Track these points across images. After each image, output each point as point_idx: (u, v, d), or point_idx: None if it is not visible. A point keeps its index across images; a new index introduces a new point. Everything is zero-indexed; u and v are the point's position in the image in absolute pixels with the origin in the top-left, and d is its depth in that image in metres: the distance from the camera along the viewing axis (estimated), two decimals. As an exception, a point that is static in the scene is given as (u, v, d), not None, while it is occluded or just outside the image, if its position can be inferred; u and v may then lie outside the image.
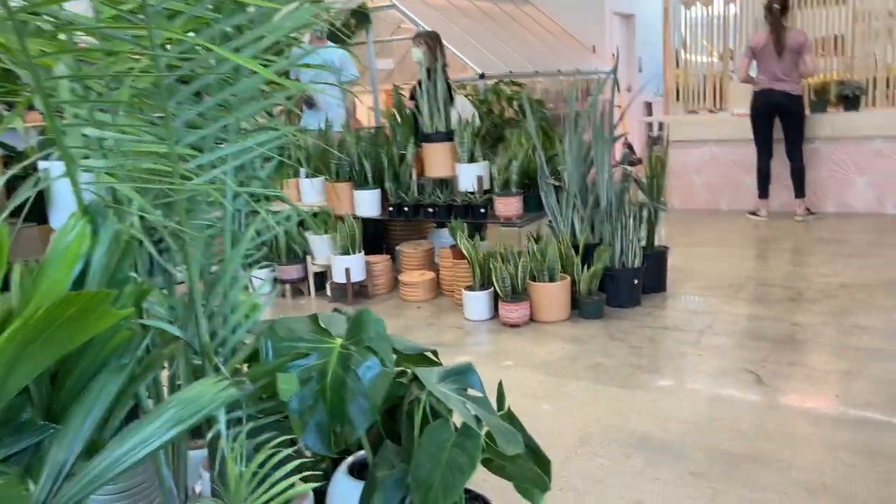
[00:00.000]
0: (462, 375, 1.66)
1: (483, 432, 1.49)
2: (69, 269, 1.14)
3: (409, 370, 1.74)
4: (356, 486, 1.69)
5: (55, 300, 0.95)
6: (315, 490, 1.57)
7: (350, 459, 1.90)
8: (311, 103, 6.15)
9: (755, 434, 2.79)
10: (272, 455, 1.43)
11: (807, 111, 6.57)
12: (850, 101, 6.69)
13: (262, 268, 5.20)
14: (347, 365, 1.61)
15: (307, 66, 1.62)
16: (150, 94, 1.27)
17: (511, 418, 1.71)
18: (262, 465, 1.44)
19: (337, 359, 1.63)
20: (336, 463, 1.82)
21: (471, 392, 1.65)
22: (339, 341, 1.66)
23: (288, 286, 5.17)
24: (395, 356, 1.74)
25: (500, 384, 1.75)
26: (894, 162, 6.50)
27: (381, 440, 1.77)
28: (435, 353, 1.90)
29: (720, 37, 7.78)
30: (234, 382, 1.54)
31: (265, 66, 1.31)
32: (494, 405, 1.69)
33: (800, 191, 6.52)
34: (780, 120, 6.46)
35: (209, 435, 1.51)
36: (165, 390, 1.65)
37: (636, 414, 3.02)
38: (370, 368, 1.60)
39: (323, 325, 1.71)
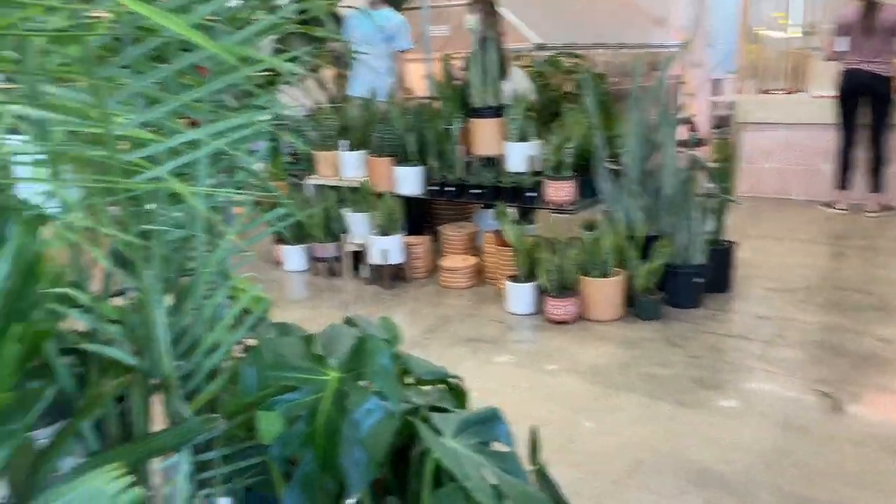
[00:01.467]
0: (485, 426, 1.33)
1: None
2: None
3: (421, 407, 1.42)
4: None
5: None
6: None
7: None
8: (346, 65, 5.82)
9: (833, 474, 2.40)
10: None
11: (897, 95, 5.95)
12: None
13: (295, 244, 4.95)
14: (343, 405, 1.30)
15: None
16: (79, 60, 0.97)
17: (543, 477, 1.37)
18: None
19: (332, 396, 1.32)
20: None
21: (495, 446, 1.32)
22: (335, 374, 1.35)
23: (322, 264, 4.91)
24: (405, 389, 1.42)
25: (535, 434, 1.41)
26: None
27: (385, 489, 1.46)
28: (459, 382, 1.57)
29: (804, 11, 7.14)
30: (202, 420, 1.25)
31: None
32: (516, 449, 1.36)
33: (877, 183, 5.93)
34: (867, 103, 5.87)
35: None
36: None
37: (695, 439, 2.65)
38: (371, 413, 1.28)
39: (319, 351, 1.39)
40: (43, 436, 1.23)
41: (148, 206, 1.16)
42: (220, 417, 1.26)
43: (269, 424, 1.29)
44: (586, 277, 3.88)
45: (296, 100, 5.41)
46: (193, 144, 1.20)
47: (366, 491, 1.51)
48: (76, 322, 1.27)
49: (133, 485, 0.76)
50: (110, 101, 1.01)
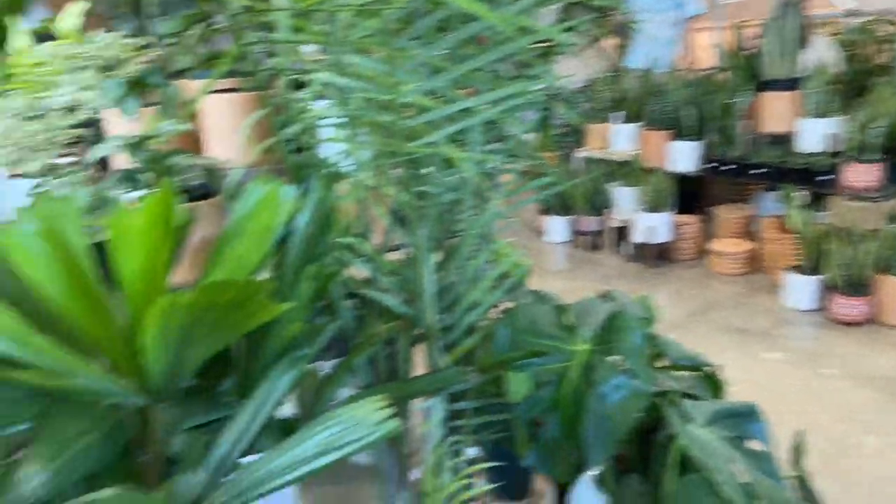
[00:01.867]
0: (740, 420, 1.24)
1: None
2: (259, 241, 1.00)
3: (671, 391, 1.37)
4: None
5: (210, 284, 0.80)
6: None
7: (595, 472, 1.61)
8: (627, 35, 5.63)
9: None
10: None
11: None
12: None
13: (559, 215, 4.99)
14: (591, 378, 1.30)
15: None
16: (378, 31, 1.07)
17: (805, 487, 1.26)
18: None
19: (580, 368, 1.33)
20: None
21: (749, 445, 1.24)
22: (585, 346, 1.35)
23: (584, 238, 4.90)
24: (656, 371, 1.39)
25: (800, 439, 1.29)
26: None
27: (627, 467, 1.44)
28: (715, 371, 1.49)
29: None
30: (458, 371, 1.33)
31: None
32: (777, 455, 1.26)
33: None
34: None
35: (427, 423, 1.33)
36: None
37: None
38: (618, 389, 1.27)
39: (571, 322, 1.41)
40: (325, 367, 1.41)
41: (425, 170, 1.25)
42: (474, 371, 1.34)
43: (519, 385, 1.34)
44: (885, 276, 3.40)
45: (572, 70, 5.40)
46: (469, 112, 1.26)
47: (607, 465, 1.51)
48: (358, 271, 1.42)
49: (393, 416, 0.85)
50: (401, 70, 1.10)
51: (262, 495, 0.86)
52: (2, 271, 1.05)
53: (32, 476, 0.95)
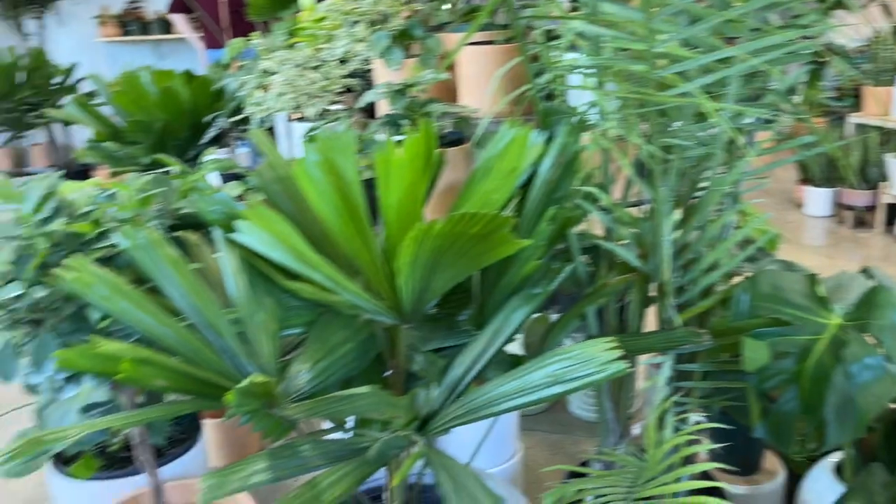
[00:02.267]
0: None
1: None
2: (505, 180, 1.05)
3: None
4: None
5: (461, 215, 0.87)
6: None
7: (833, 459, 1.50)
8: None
9: None
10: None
11: None
12: None
13: (822, 186, 4.54)
14: (839, 354, 1.21)
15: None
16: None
17: None
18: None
19: (828, 342, 1.23)
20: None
21: None
22: (836, 320, 1.25)
23: (850, 213, 4.41)
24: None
25: None
26: None
27: (873, 454, 1.33)
28: None
29: None
30: (691, 332, 1.31)
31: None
32: None
33: None
34: None
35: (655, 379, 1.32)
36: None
37: None
38: (868, 368, 1.17)
39: (822, 293, 1.31)
40: (552, 319, 1.45)
41: (674, 122, 1.22)
42: (708, 334, 1.30)
43: (755, 353, 1.28)
44: None
45: (852, 27, 4.82)
46: (726, 62, 1.21)
47: (849, 451, 1.41)
48: (595, 222, 1.44)
49: (621, 359, 0.86)
50: (657, 18, 1.08)
51: (491, 414, 0.94)
52: (292, 195, 1.22)
53: (302, 373, 1.12)
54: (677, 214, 1.37)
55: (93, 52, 6.17)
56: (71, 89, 5.05)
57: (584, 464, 1.66)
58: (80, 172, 4.83)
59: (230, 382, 0.99)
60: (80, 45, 6.17)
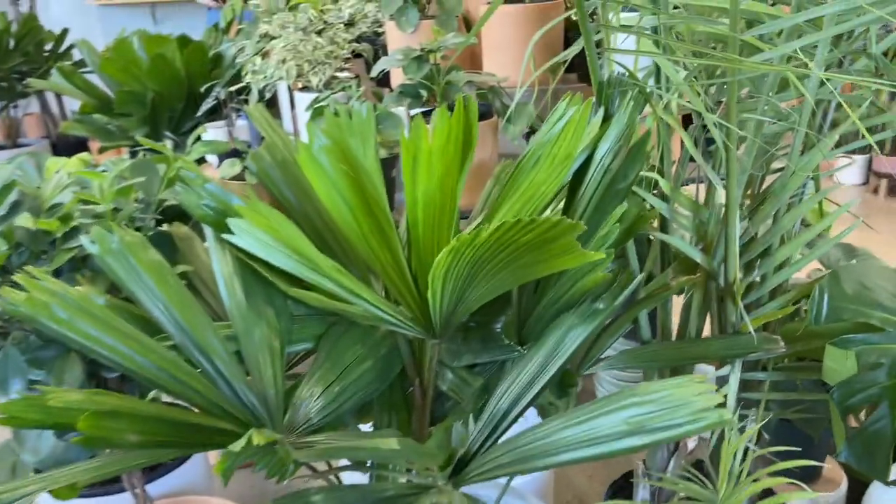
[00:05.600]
0: None
1: None
2: (558, 169, 0.86)
3: None
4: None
5: (513, 223, 0.68)
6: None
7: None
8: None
9: None
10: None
11: None
12: None
13: (851, 153, 4.30)
14: (945, 368, 1.02)
15: None
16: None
17: None
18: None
19: (929, 353, 1.05)
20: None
21: None
22: (941, 326, 1.06)
23: (883, 182, 4.19)
24: None
25: None
26: None
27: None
28: None
29: None
30: (763, 338, 1.12)
31: None
32: None
33: None
34: None
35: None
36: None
37: None
38: None
39: (919, 293, 1.12)
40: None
41: (752, 93, 1.02)
42: (782, 340, 1.12)
43: (839, 364, 1.10)
44: None
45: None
46: (815, 23, 1.01)
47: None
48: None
49: (722, 405, 0.68)
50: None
51: (546, 466, 0.76)
52: (294, 182, 1.03)
53: (312, 399, 0.94)
54: (745, 201, 1.18)
55: (86, 15, 5.91)
56: (64, 56, 4.82)
57: (627, 476, 1.50)
58: (77, 144, 4.61)
59: (224, 423, 0.81)
60: (72, 8, 5.92)
